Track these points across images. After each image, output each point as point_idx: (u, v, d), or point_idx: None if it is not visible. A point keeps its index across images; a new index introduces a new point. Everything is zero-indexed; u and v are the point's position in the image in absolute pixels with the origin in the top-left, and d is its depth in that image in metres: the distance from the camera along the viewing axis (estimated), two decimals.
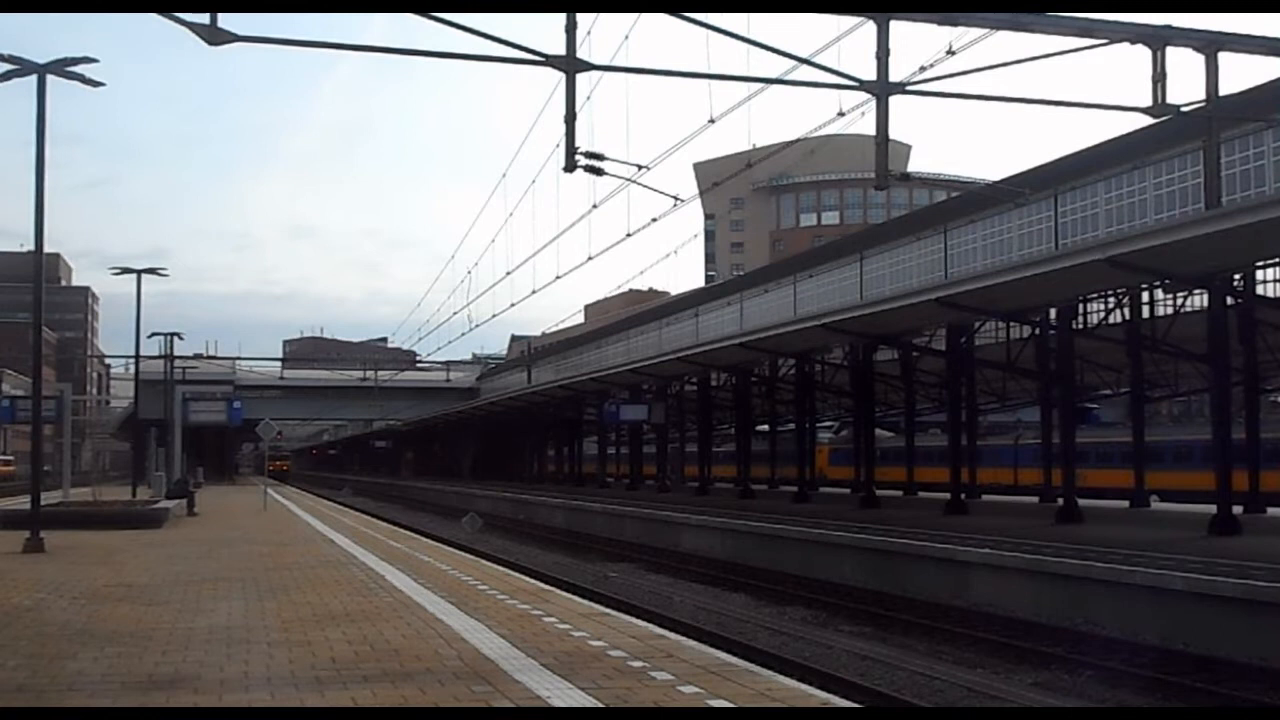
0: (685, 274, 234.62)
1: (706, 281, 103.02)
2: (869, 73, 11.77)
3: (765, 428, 47.64)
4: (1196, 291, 24.70)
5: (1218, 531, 19.85)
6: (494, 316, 61.96)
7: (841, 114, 14.71)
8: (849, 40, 13.74)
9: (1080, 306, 26.81)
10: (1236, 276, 22.62)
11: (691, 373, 42.65)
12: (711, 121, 16.44)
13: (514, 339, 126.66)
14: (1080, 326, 26.86)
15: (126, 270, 42.57)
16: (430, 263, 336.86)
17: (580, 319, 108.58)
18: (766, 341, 32.36)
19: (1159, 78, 12.08)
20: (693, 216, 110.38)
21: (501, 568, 17.20)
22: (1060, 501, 24.82)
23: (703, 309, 49.53)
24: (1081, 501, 24.27)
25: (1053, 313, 26.22)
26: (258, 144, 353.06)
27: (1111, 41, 12.44)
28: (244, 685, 7.61)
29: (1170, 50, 12.28)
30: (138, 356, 49.74)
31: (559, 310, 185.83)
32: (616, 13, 12.90)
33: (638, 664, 8.20)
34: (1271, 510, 23.95)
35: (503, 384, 79.68)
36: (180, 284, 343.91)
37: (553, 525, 40.28)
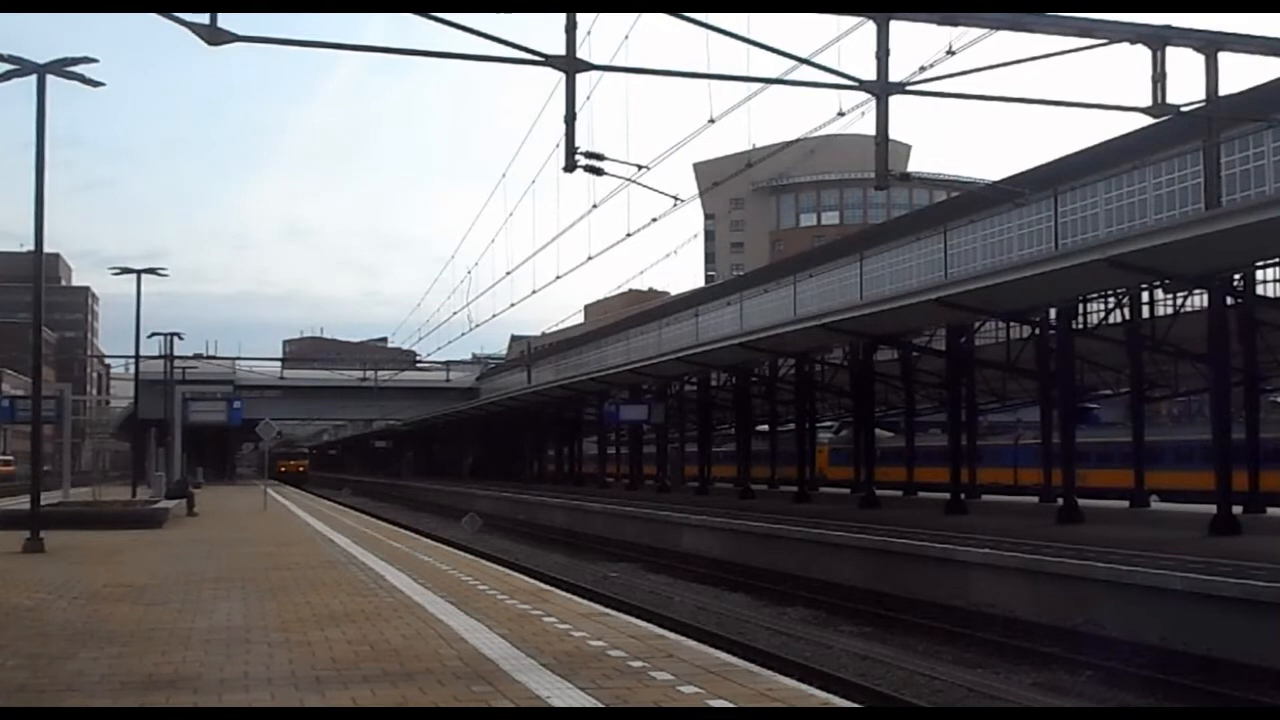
0: (685, 274, 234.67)
1: (706, 281, 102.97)
2: (869, 73, 11.75)
3: (765, 428, 47.65)
4: (1196, 291, 24.70)
5: (1218, 531, 19.86)
6: (494, 317, 61.21)
7: (841, 114, 14.68)
8: (849, 40, 13.72)
9: (1080, 306, 26.81)
10: (1236, 276, 22.62)
11: (691, 373, 42.66)
12: (711, 121, 16.37)
13: (514, 339, 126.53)
14: (1080, 326, 26.86)
15: (126, 270, 42.56)
16: (429, 263, 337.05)
17: (580, 319, 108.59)
18: (766, 341, 32.36)
19: (1159, 78, 12.07)
20: (693, 216, 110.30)
21: (501, 568, 17.21)
22: (1060, 501, 24.83)
23: (703, 309, 49.48)
24: (1081, 501, 24.29)
25: (1053, 313, 26.23)
26: (256, 145, 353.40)
27: (1111, 41, 12.42)
28: (244, 685, 7.61)
29: (1170, 50, 12.26)
30: (138, 356, 49.71)
31: (559, 310, 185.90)
32: (616, 13, 12.87)
33: (638, 664, 8.20)
34: (1271, 510, 23.95)
35: (503, 384, 79.62)
36: (179, 284, 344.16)
37: (553, 525, 40.26)
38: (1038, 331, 29.31)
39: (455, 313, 50.21)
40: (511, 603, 11.86)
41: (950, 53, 12.87)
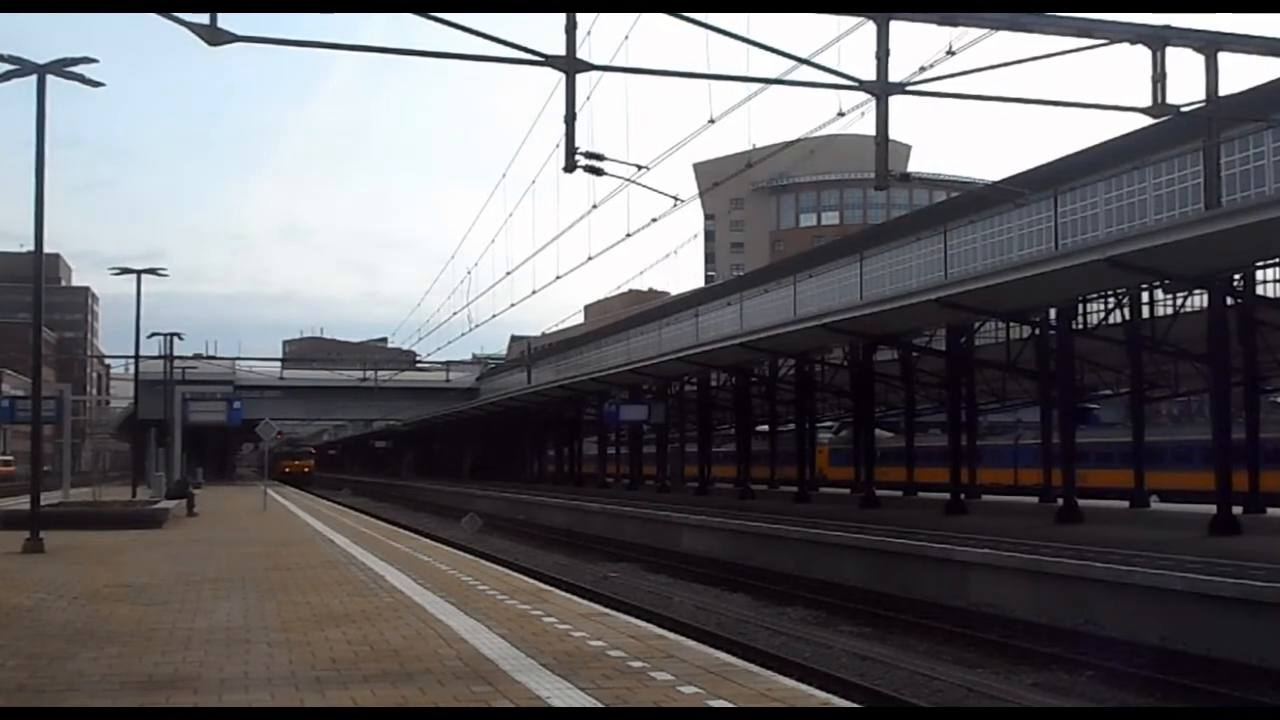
0: (685, 274, 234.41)
1: (706, 281, 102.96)
2: (869, 73, 11.74)
3: (765, 428, 47.64)
4: (1196, 291, 24.70)
5: (1218, 531, 19.87)
6: (494, 317, 61.97)
7: (841, 114, 14.66)
8: (849, 40, 13.71)
9: (1080, 306, 26.83)
10: (1236, 276, 22.62)
11: (691, 373, 42.66)
12: (711, 121, 16.35)
13: (514, 339, 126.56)
14: (1080, 326, 26.87)
15: (126, 270, 42.53)
16: (428, 263, 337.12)
17: (580, 319, 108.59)
18: (766, 341, 32.36)
19: (1159, 78, 12.06)
20: (693, 216, 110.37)
21: (501, 568, 17.20)
22: (1060, 502, 24.84)
23: (703, 309, 49.51)
24: (1081, 502, 24.30)
25: (1053, 313, 26.22)
26: (256, 145, 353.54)
27: (1111, 41, 12.41)
28: (244, 685, 7.61)
29: (1170, 50, 12.25)
30: (137, 356, 49.68)
31: (559, 310, 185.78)
32: (616, 13, 12.86)
33: (638, 664, 8.20)
34: (1271, 510, 23.95)
35: (503, 384, 79.62)
36: (179, 284, 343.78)
37: (553, 525, 40.27)
38: (1038, 331, 29.32)
39: (455, 313, 50.30)
40: (511, 603, 11.86)
41: (950, 53, 12.86)
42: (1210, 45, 12.90)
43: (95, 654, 8.82)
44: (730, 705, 6.84)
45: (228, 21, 10.04)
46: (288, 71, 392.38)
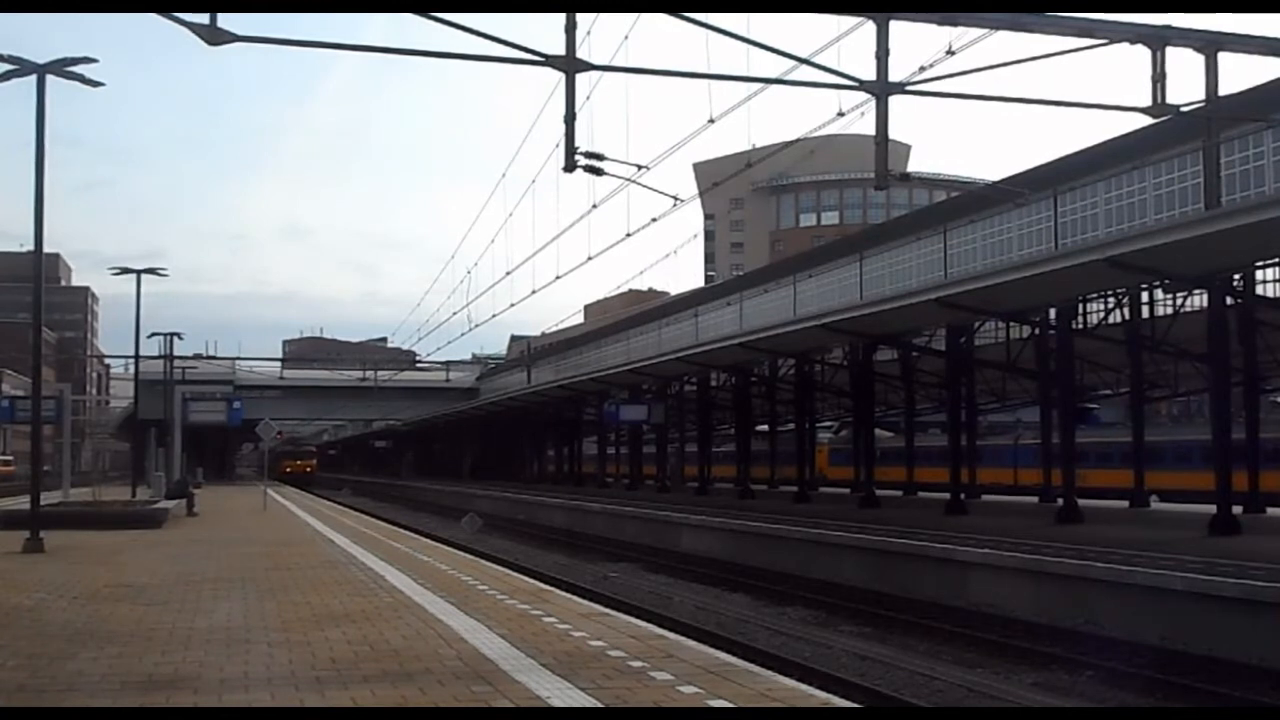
0: (685, 274, 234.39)
1: (706, 281, 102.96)
2: (869, 73, 11.74)
3: (765, 428, 47.66)
4: (1196, 291, 24.71)
5: (1218, 531, 19.87)
6: (494, 317, 62.08)
7: (841, 114, 14.66)
8: (849, 40, 13.70)
9: (1080, 306, 26.83)
10: (1236, 276, 22.63)
11: (691, 373, 42.66)
12: (711, 121, 16.34)
13: (514, 339, 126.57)
14: (1080, 326, 26.87)
15: (126, 270, 42.51)
16: (429, 263, 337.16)
17: (580, 319, 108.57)
18: (766, 341, 32.36)
19: (1159, 78, 12.05)
20: (692, 216, 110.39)
21: (501, 568, 17.20)
22: (1060, 502, 24.84)
23: (702, 309, 49.53)
24: (1081, 501, 24.30)
25: (1053, 313, 26.23)
26: (256, 145, 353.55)
27: (1111, 41, 12.41)
28: (244, 685, 7.61)
29: (1170, 50, 12.24)
30: (137, 356, 49.66)
31: (559, 310, 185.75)
32: (616, 13, 12.86)
33: (637, 664, 8.20)
34: (1271, 510, 23.96)
35: (502, 384, 79.65)
36: (179, 284, 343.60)
37: (553, 525, 40.27)
38: (1038, 331, 29.32)
39: (455, 313, 50.36)
40: (511, 603, 11.86)
41: (950, 53, 12.85)
42: (1210, 45, 12.89)
43: (95, 654, 8.82)
44: (730, 705, 6.84)
45: (228, 21, 10.05)
46: (288, 71, 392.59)
